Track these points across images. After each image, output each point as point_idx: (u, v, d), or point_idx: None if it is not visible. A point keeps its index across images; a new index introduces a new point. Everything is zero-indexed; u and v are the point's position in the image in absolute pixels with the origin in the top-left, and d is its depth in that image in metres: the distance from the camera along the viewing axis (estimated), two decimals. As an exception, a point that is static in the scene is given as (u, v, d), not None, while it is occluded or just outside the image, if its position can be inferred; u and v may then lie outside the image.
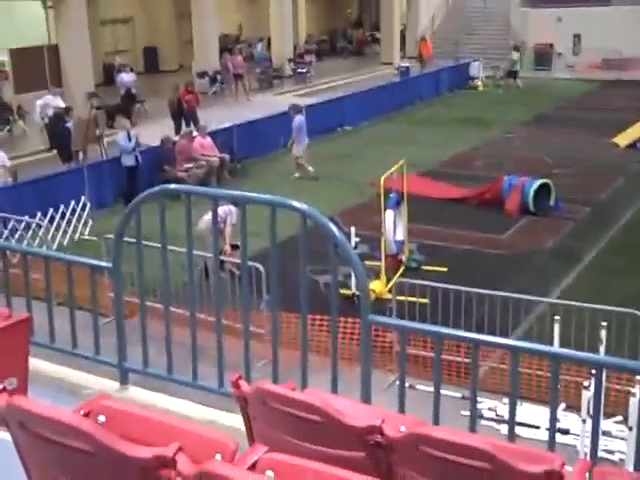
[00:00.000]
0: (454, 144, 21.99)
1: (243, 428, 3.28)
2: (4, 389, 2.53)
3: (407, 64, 33.79)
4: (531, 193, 15.71)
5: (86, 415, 2.57)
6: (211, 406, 5.19)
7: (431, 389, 4.74)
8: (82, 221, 14.81)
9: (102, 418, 2.58)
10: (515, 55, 33.03)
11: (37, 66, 28.67)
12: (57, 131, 18.42)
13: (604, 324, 8.30)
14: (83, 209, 14.95)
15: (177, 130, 21.36)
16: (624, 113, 25.39)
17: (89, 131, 17.85)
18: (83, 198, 15.09)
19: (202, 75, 30.48)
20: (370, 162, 18.90)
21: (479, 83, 32.84)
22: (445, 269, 12.58)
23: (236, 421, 3.76)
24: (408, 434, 2.87)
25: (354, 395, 4.41)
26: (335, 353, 4.89)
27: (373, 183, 14.52)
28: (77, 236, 14.48)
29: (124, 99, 24.76)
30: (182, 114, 22.12)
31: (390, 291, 11.04)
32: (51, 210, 14.29)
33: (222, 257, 9.91)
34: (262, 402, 3.08)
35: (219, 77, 30.37)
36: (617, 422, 8.07)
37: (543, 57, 36.56)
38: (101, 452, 2.25)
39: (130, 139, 16.87)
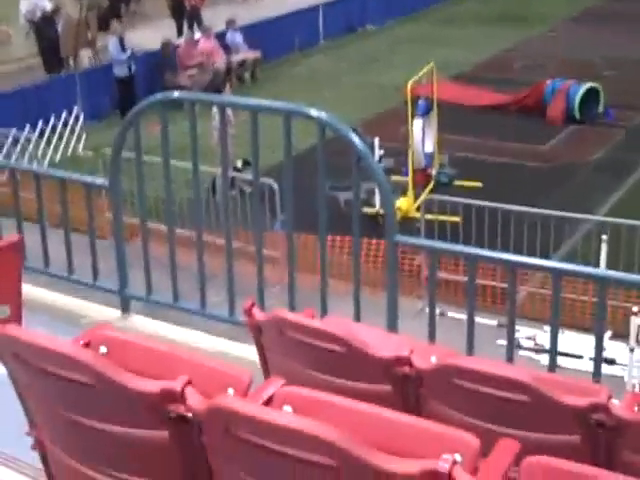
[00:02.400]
0: (490, 44, 21.61)
1: (257, 360, 3.31)
2: (-4, 318, 2.56)
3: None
4: (577, 98, 15.49)
5: (86, 345, 2.60)
6: (221, 336, 5.24)
7: (464, 316, 4.76)
8: (75, 134, 14.79)
9: (103, 349, 2.61)
10: None
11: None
12: (46, 36, 18.14)
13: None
14: (76, 121, 14.92)
15: (179, 32, 21.09)
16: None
17: (80, 34, 17.68)
18: (75, 108, 15.05)
19: (205, -32, 29.95)
20: (396, 65, 18.65)
21: (519, -27, 32.08)
22: (479, 184, 12.52)
23: (249, 352, 3.79)
24: (439, 365, 2.89)
25: (379, 323, 4.44)
26: (357, 277, 4.91)
27: (399, 89, 14.35)
28: (70, 151, 14.49)
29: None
30: (184, 14, 21.80)
31: (418, 209, 11.04)
32: (41, 122, 14.26)
33: (232, 173, 9.90)
34: (278, 331, 3.10)
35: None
36: (669, 351, 8.12)
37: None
38: (103, 385, 2.29)
39: (124, 47, 16.65)
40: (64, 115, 14.76)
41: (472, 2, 28.04)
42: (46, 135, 14.28)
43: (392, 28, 24.24)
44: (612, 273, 4.98)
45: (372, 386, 2.95)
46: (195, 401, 2.24)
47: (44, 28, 18.30)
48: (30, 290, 5.01)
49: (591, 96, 15.69)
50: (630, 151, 14.20)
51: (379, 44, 22.20)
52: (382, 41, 22.57)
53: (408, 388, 2.92)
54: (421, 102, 12.87)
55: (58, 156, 14.24)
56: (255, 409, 2.16)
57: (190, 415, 2.23)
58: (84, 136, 14.79)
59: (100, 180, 5.97)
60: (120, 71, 16.63)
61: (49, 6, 20.18)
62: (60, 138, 14.51)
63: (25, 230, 5.85)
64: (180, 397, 2.25)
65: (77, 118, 14.95)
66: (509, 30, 23.24)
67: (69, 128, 14.75)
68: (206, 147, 5.93)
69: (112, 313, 5.53)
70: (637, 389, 5.16)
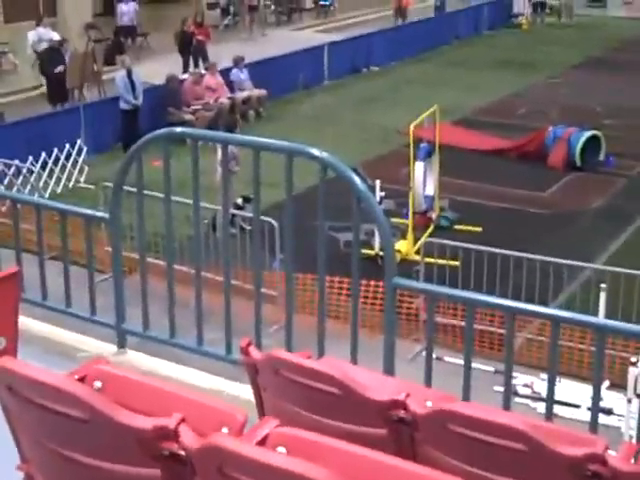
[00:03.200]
0: (493, 89, 21.79)
1: (252, 399, 3.31)
2: (-8, 350, 2.55)
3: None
4: (578, 146, 15.58)
5: (81, 380, 2.60)
6: (217, 374, 5.22)
7: (461, 361, 4.75)
8: (77, 167, 14.86)
9: (98, 384, 2.60)
10: None
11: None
12: (51, 68, 18.27)
13: (656, 294, 8.29)
14: (79, 154, 14.99)
15: (185, 67, 21.28)
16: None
17: (86, 67, 17.84)
18: (79, 141, 15.13)
19: (213, 6, 30.25)
20: (399, 107, 18.78)
21: (523, 21, 32.41)
22: (479, 229, 12.56)
23: (244, 391, 3.79)
24: (435, 410, 2.88)
25: (376, 366, 4.43)
26: (355, 319, 4.90)
27: (402, 131, 14.45)
28: (72, 183, 14.55)
29: (118, 34, 24.45)
30: (190, 50, 22.00)
31: (418, 252, 11.05)
32: (43, 154, 14.33)
33: (232, 211, 9.93)
34: (274, 371, 3.09)
35: (232, 9, 30.13)
36: (666, 403, 8.08)
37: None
38: (97, 420, 2.28)
39: (131, 79, 16.76)
40: (67, 148, 14.83)
41: (478, 46, 28.33)
42: (48, 167, 14.34)
43: (396, 70, 24.46)
44: (611, 322, 4.97)
45: (367, 429, 2.94)
46: (189, 439, 2.23)
47: (49, 59, 18.43)
48: (27, 322, 5.00)
49: (592, 144, 15.78)
50: (630, 200, 14.26)
51: (383, 85, 22.38)
52: (386, 82, 22.75)
53: (403, 432, 2.91)
54: (423, 145, 12.95)
55: (59, 188, 14.28)
56: (249, 449, 2.15)
57: (183, 453, 2.22)
58: (86, 169, 14.84)
59: (100, 213, 5.99)
60: (127, 103, 16.71)
61: (56, 37, 20.38)
62: (62, 170, 14.56)
63: (24, 261, 5.85)
64: (174, 435, 2.24)
65: (80, 151, 15.02)
66: (513, 76, 23.45)
67: (71, 160, 14.81)
68: (208, 183, 5.96)
69: (108, 348, 5.51)
70: (634, 440, 5.14)
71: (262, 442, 2.35)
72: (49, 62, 18.26)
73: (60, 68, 17.67)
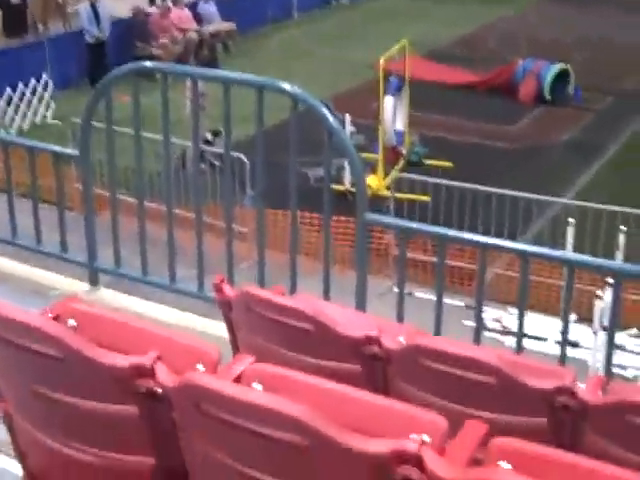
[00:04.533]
0: (463, 22, 21.63)
1: (225, 336, 3.32)
2: (-37, 289, 2.54)
3: None
4: (548, 79, 15.57)
5: (55, 318, 2.59)
6: (190, 311, 5.24)
7: (432, 297, 4.79)
8: (44, 102, 14.63)
9: (72, 322, 2.60)
10: None
11: None
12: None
13: (623, 228, 8.37)
14: (45, 88, 14.75)
15: (151, 0, 20.87)
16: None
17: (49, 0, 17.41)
18: (44, 76, 14.86)
19: None
20: (369, 41, 18.61)
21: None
22: (449, 164, 12.56)
23: (218, 328, 3.80)
24: (407, 345, 2.91)
25: (348, 302, 4.46)
26: (327, 255, 4.91)
27: (372, 65, 14.33)
28: (39, 119, 14.33)
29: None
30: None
31: (388, 187, 11.06)
32: (8, 89, 14.08)
33: (202, 146, 9.84)
34: (247, 308, 3.10)
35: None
36: (631, 335, 8.23)
37: None
38: (72, 358, 2.28)
39: (96, 12, 16.42)
40: (33, 82, 14.58)
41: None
42: (13, 102, 14.10)
43: (367, 3, 24.16)
44: (578, 256, 5.03)
45: (341, 365, 2.97)
46: (165, 376, 2.24)
47: None
48: (-3, 261, 4.98)
49: (561, 77, 15.77)
50: (598, 133, 14.31)
51: (353, 19, 22.14)
52: (356, 16, 22.50)
53: (376, 367, 2.95)
54: (393, 79, 12.87)
55: (26, 124, 14.07)
56: (225, 386, 2.16)
57: (160, 391, 2.23)
58: (53, 104, 14.63)
59: (70, 150, 5.92)
60: (92, 37, 16.40)
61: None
62: (28, 106, 14.33)
63: (-7, 199, 5.80)
64: (150, 372, 2.25)
65: (46, 85, 14.78)
66: (484, 8, 23.26)
67: (38, 95, 14.57)
68: (177, 118, 5.90)
69: (81, 286, 5.50)
70: (601, 373, 5.24)
71: (238, 379, 2.37)
72: None
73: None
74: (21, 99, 14.33)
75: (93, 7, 16.53)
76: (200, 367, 2.42)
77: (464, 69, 17.43)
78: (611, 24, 21.44)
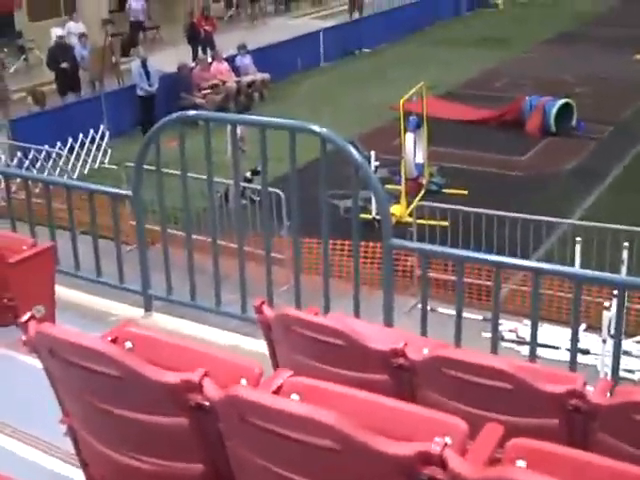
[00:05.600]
0: (474, 65, 21.61)
1: (267, 353, 3.32)
2: (33, 317, 2.56)
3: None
4: (553, 113, 15.48)
5: (113, 341, 2.61)
6: (234, 332, 5.24)
7: (452, 312, 4.76)
8: (101, 150, 14.82)
9: (129, 344, 2.62)
10: None
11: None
12: (54, 64, 17.60)
13: (626, 244, 8.27)
14: (102, 138, 14.94)
15: (194, 56, 21.11)
16: (648, 29, 24.76)
17: (105, 59, 17.67)
18: (102, 127, 15.06)
19: (217, -1, 29.92)
20: (389, 85, 18.63)
21: (499, 1, 32.04)
22: (465, 192, 12.51)
23: (260, 346, 3.80)
24: (430, 356, 2.90)
25: (376, 319, 4.45)
26: (357, 277, 4.91)
27: (393, 107, 14.35)
28: (97, 165, 14.51)
29: (131, 28, 24.19)
30: (198, 39, 21.82)
31: (411, 215, 11.03)
32: (70, 139, 14.29)
33: (243, 184, 9.90)
34: (285, 327, 3.10)
35: (234, 1, 29.81)
36: (637, 342, 8.11)
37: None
38: (129, 377, 2.29)
39: (146, 68, 16.62)
40: (91, 133, 14.78)
41: (459, 26, 28.02)
42: (75, 151, 14.30)
43: (386, 51, 24.24)
44: (586, 272, 4.97)
45: (370, 376, 2.96)
46: (212, 391, 2.24)
47: (53, 57, 17.68)
48: (62, 291, 5.02)
49: (565, 111, 15.68)
50: (601, 160, 14.19)
51: (374, 65, 22.19)
52: (376, 63, 22.55)
53: (403, 377, 2.93)
54: (412, 118, 12.87)
55: (86, 169, 14.25)
56: (266, 398, 2.16)
57: (208, 404, 2.24)
58: (109, 151, 14.80)
59: (124, 191, 5.98)
60: (143, 90, 16.60)
61: (82, 29, 20.01)
62: (87, 153, 14.52)
63: (57, 237, 5.86)
64: (198, 387, 2.25)
65: (103, 135, 14.97)
66: (491, 52, 23.23)
67: (96, 144, 14.76)
68: (219, 160, 5.94)
69: (136, 312, 5.53)
70: (609, 377, 5.16)
71: (277, 391, 2.36)
72: (53, 59, 17.77)
73: (64, 65, 17.27)
74: (81, 148, 14.52)
75: (143, 64, 16.74)
76: (243, 381, 2.42)
77: (476, 107, 17.38)
78: (607, 62, 21.31)
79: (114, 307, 5.58)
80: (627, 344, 7.84)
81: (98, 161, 14.60)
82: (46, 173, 12.55)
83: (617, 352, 4.39)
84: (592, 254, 8.68)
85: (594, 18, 28.62)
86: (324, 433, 1.98)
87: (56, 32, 20.16)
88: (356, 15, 27.50)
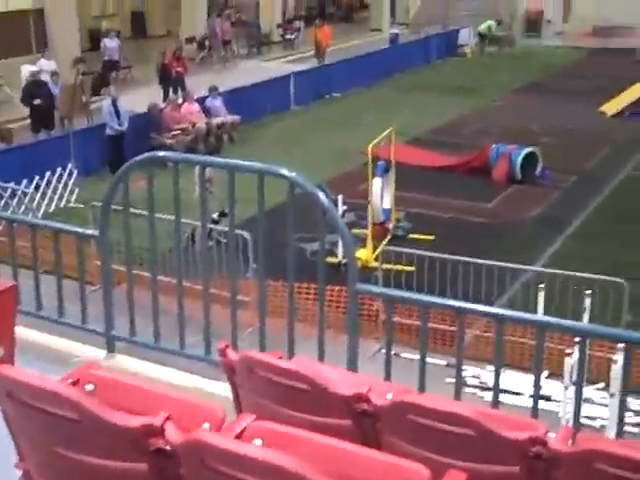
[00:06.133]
0: (443, 112, 21.92)
1: (230, 396, 3.29)
2: (-9, 358, 2.52)
3: (396, 31, 33.55)
4: (518, 162, 15.72)
5: (74, 383, 2.58)
6: (198, 374, 5.20)
7: (416, 357, 4.77)
8: (68, 188, 14.72)
9: (90, 387, 2.59)
10: (486, 21, 32.95)
11: (22, 30, 28.24)
12: (29, 100, 17.50)
13: (588, 292, 8.36)
14: (69, 176, 14.86)
15: (165, 97, 21.18)
16: (612, 81, 25.31)
17: (75, 97, 17.66)
18: (69, 165, 14.99)
19: (190, 40, 30.16)
20: (359, 129, 18.82)
21: (468, 50, 32.67)
22: (431, 237, 12.61)
23: (223, 389, 3.77)
24: (394, 402, 2.89)
25: (341, 363, 4.43)
26: (322, 321, 4.90)
27: (362, 151, 14.48)
28: (63, 203, 14.41)
29: (104, 67, 24.27)
30: (169, 80, 21.93)
31: (377, 259, 11.07)
32: (37, 177, 14.19)
33: (210, 225, 9.88)
34: (249, 370, 3.09)
35: (207, 43, 30.06)
36: (599, 389, 8.16)
37: (533, 24, 36.40)
38: (89, 421, 2.26)
39: (117, 108, 16.62)
40: (59, 171, 14.70)
41: (429, 74, 28.50)
42: (41, 189, 14.20)
43: (355, 96, 24.52)
44: (548, 319, 4.99)
45: (334, 421, 2.94)
46: (174, 435, 2.22)
47: (28, 93, 17.64)
48: (23, 332, 4.95)
49: (530, 160, 15.93)
50: (564, 209, 14.40)
51: (343, 110, 22.42)
52: (346, 107, 22.80)
53: (366, 423, 2.92)
54: (380, 163, 12.99)
55: (52, 208, 14.14)
56: (228, 442, 2.14)
57: (169, 448, 2.21)
58: (76, 190, 14.72)
59: (90, 230, 5.94)
60: (112, 129, 16.57)
61: (53, 66, 20.01)
62: (54, 192, 14.42)
63: (20, 276, 5.79)
64: (160, 431, 2.23)
65: (70, 173, 14.89)
66: (460, 99, 23.62)
67: (63, 182, 14.68)
68: (187, 201, 5.94)
69: (99, 353, 5.47)
70: (571, 424, 5.17)
71: (240, 435, 2.35)
72: (28, 95, 17.74)
73: (38, 101, 17.26)
74: (48, 186, 14.42)
75: (114, 103, 16.75)
76: (206, 425, 2.40)
77: (444, 153, 17.60)
78: (572, 113, 21.76)
79: (76, 348, 5.50)
80: (589, 391, 7.89)
81: (64, 200, 14.50)
82: (10, 211, 12.43)
83: (579, 399, 4.41)
84: (555, 301, 8.76)
85: (560, 70, 29.27)
86: (284, 479, 1.97)
87: (28, 69, 20.20)
88: (321, 62, 27.80)
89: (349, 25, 41.80)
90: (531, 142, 17.10)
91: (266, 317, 5.14)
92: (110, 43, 25.01)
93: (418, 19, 38.01)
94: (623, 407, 4.24)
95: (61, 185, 14.64)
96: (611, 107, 22.09)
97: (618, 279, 8.88)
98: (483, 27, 32.92)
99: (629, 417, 7.36)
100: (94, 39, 31.52)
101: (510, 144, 16.48)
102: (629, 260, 11.48)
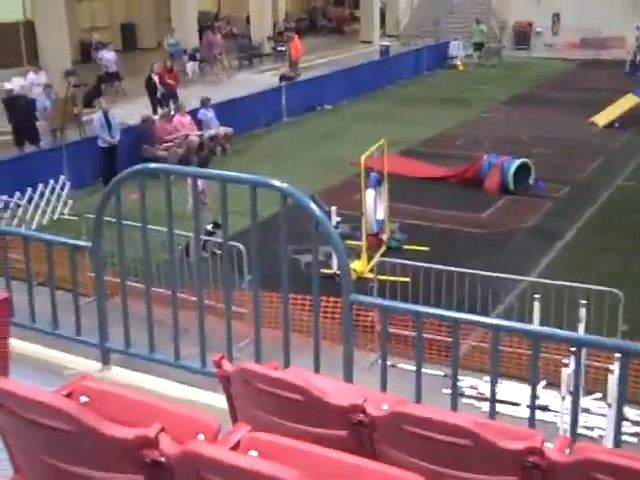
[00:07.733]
0: (434, 123, 21.98)
1: (226, 407, 3.28)
2: (-15, 370, 2.51)
3: (387, 43, 33.68)
4: (511, 172, 15.75)
5: (68, 396, 2.56)
6: (193, 386, 5.18)
7: (412, 367, 4.76)
8: (61, 200, 14.70)
9: (84, 398, 2.57)
10: (476, 27, 33.15)
11: (12, 42, 28.22)
12: (18, 112, 17.43)
13: (583, 302, 8.36)
14: (62, 188, 14.83)
15: (154, 109, 21.17)
16: (602, 93, 25.42)
17: (67, 110, 17.64)
18: (62, 177, 14.97)
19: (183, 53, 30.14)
20: (350, 141, 18.84)
21: (459, 62, 32.80)
22: (426, 248, 12.60)
23: (219, 401, 3.76)
24: (390, 412, 2.88)
25: (336, 374, 4.42)
26: (317, 332, 4.89)
27: (354, 162, 14.50)
28: (56, 215, 14.37)
29: (100, 79, 24.23)
30: (155, 92, 21.91)
31: (371, 270, 11.06)
32: (29, 189, 14.17)
33: (204, 237, 9.87)
34: (245, 381, 3.08)
35: (198, 55, 30.08)
36: (596, 399, 8.15)
37: (522, 36, 36.58)
38: (83, 433, 2.25)
39: (108, 120, 16.60)
40: (51, 183, 14.68)
41: (419, 86, 28.61)
42: (34, 201, 14.17)
43: (347, 107, 24.59)
44: (544, 329, 5.01)
45: (329, 431, 2.93)
46: (168, 447, 2.21)
47: (9, 108, 17.63)
48: (17, 344, 4.93)
49: (523, 170, 15.96)
50: (558, 219, 14.42)
51: (335, 122, 22.46)
52: (338, 119, 22.85)
53: (362, 433, 2.91)
54: (373, 174, 13.00)
55: (45, 220, 14.11)
56: (223, 454, 2.13)
57: (164, 460, 2.20)
58: (69, 202, 14.70)
59: (83, 242, 5.93)
60: (104, 142, 16.55)
61: (44, 79, 20.02)
62: (47, 204, 14.40)
63: (14, 288, 5.77)
64: (154, 443, 2.21)
65: (63, 186, 14.86)
66: (451, 111, 23.69)
67: (56, 194, 14.65)
68: (181, 212, 5.93)
69: (93, 365, 5.45)
70: (568, 434, 5.16)
71: (235, 447, 2.33)
72: (9, 110, 17.60)
73: (14, 117, 17.21)
74: (41, 198, 14.39)
75: (105, 115, 16.72)
76: (201, 437, 2.39)
77: (436, 164, 17.63)
78: (564, 124, 21.83)
79: (70, 360, 5.49)
80: (586, 401, 7.88)
81: (58, 212, 14.46)
82: (3, 223, 12.40)
83: (576, 409, 4.40)
84: (550, 311, 8.76)
85: (551, 81, 29.40)
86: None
87: (14, 81, 20.04)
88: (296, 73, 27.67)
89: (340, 37, 41.91)
90: (523, 153, 17.14)
91: (261, 328, 5.13)
92: (107, 54, 25.09)
93: (408, 31, 38.22)
94: (620, 417, 4.23)
95: (54, 197, 14.61)
96: (602, 118, 22.16)
97: (613, 289, 8.88)
98: (477, 35, 33.12)
99: (627, 427, 7.35)
100: (85, 51, 31.60)
101: (502, 155, 16.51)
102: (624, 270, 11.51)
